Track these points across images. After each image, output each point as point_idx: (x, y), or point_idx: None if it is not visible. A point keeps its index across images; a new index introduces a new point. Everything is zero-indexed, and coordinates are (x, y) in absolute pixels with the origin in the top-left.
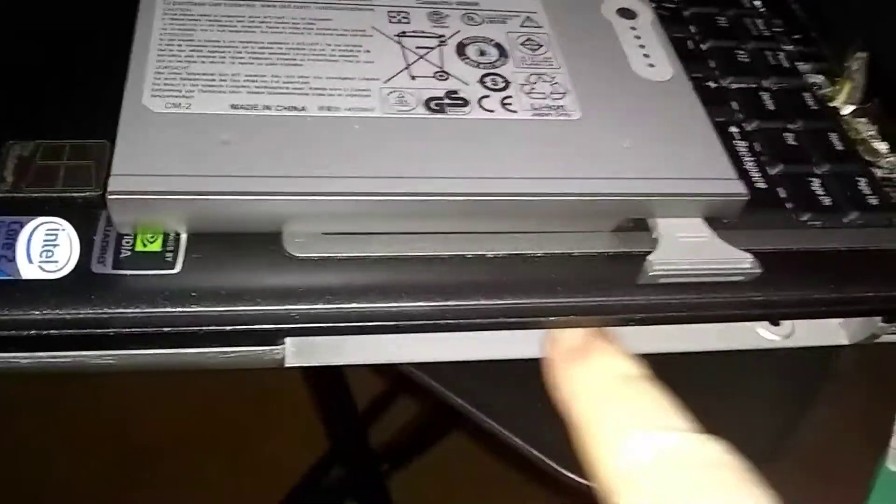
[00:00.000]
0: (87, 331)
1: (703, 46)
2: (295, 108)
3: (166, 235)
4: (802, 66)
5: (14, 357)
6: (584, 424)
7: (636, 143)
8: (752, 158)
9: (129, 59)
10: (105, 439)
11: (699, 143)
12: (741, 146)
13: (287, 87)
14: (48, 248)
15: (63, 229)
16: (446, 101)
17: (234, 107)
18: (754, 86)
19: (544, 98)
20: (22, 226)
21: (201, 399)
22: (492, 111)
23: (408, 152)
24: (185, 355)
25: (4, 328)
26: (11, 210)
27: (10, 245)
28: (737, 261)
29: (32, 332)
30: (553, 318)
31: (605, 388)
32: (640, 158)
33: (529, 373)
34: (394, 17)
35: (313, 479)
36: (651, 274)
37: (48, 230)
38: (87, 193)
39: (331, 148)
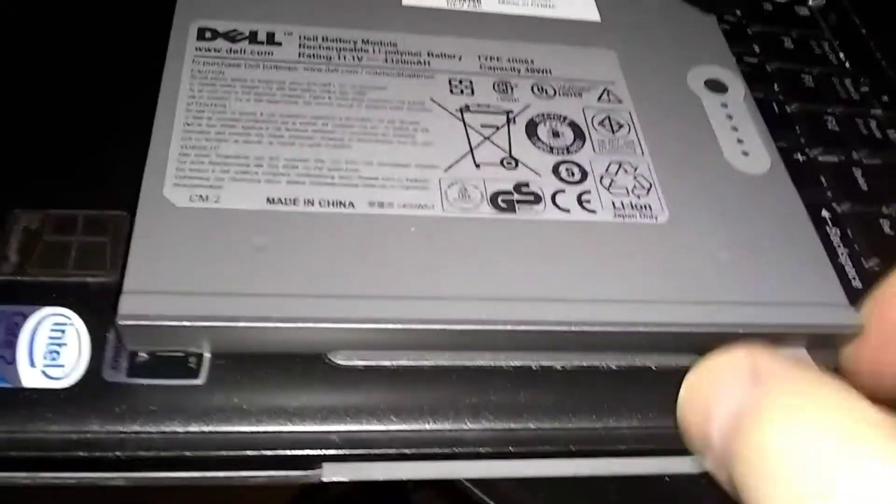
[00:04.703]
0: (97, 454)
1: (789, 109)
2: (342, 204)
3: None
4: (895, 135)
5: (10, 476)
6: None
7: (733, 255)
8: (847, 249)
9: (149, 120)
10: None
11: (804, 257)
12: (834, 234)
13: (333, 177)
14: (54, 349)
15: (71, 323)
16: (516, 196)
17: (270, 201)
18: (845, 159)
19: (627, 194)
20: (25, 318)
21: None
22: (567, 210)
23: (473, 265)
24: (206, 479)
25: (0, 448)
26: (14, 297)
27: (11, 343)
28: None
29: (33, 453)
30: (629, 447)
31: None
32: (739, 276)
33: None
34: (456, 86)
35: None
36: None
37: (55, 325)
38: (101, 279)
39: (383, 257)
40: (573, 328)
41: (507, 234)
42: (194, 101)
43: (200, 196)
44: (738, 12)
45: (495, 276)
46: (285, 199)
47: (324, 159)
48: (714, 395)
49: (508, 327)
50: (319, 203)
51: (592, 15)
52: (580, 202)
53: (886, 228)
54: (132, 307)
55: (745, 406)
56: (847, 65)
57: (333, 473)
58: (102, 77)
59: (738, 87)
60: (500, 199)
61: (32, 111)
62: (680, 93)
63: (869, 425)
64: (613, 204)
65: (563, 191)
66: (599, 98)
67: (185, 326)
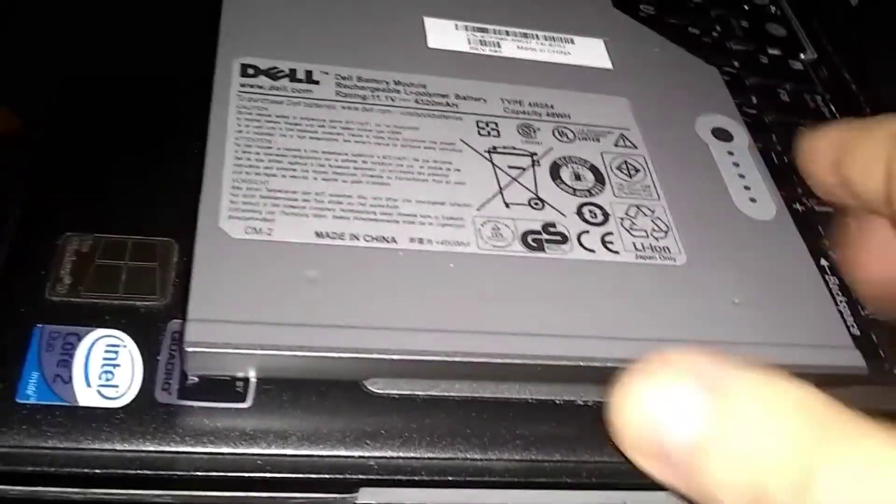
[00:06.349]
0: (149, 472)
1: (786, 159)
2: (384, 239)
3: None
4: None
5: (64, 491)
6: None
7: (746, 299)
8: (845, 298)
9: (193, 150)
10: None
11: (811, 301)
12: (832, 283)
13: (375, 213)
14: (108, 369)
15: (124, 345)
16: (544, 236)
17: (319, 234)
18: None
19: (646, 236)
20: (80, 339)
21: None
22: (593, 251)
23: (506, 301)
24: (248, 499)
25: (57, 464)
26: (67, 318)
27: (67, 363)
28: None
29: (89, 470)
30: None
31: None
32: (751, 319)
33: None
34: (483, 128)
35: None
36: None
37: (108, 346)
38: (151, 303)
39: (424, 292)
40: (601, 364)
41: (536, 272)
42: (242, 136)
43: (254, 228)
44: (736, 64)
45: (526, 313)
46: (333, 233)
47: (365, 195)
48: (666, 416)
49: (537, 361)
50: (364, 238)
51: (604, 62)
52: (604, 243)
53: None
54: (198, 335)
55: (708, 427)
56: (838, 118)
57: (369, 497)
58: (146, 110)
59: (742, 136)
60: (529, 238)
61: (80, 142)
62: (689, 140)
63: (838, 412)
64: (635, 245)
65: (587, 231)
66: (616, 143)
67: (244, 354)
